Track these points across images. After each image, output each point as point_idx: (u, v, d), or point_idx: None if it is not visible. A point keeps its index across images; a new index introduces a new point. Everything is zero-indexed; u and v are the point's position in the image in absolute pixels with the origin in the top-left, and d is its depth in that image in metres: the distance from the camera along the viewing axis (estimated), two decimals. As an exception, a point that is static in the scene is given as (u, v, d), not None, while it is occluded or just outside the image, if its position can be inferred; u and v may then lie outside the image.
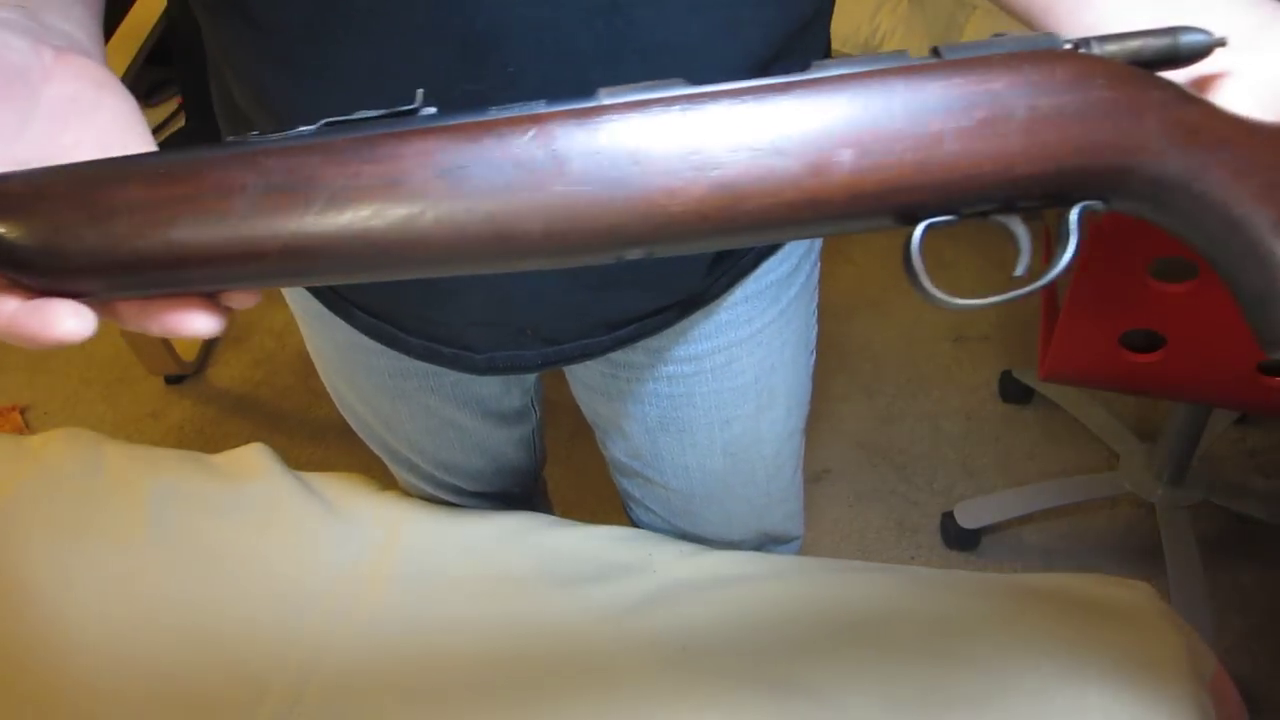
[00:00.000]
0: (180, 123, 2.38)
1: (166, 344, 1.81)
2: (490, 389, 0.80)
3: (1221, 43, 0.36)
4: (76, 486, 0.98)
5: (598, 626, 0.86)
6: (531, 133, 0.32)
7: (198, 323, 0.35)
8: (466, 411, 0.81)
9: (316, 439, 1.77)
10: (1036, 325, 1.90)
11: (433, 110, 0.34)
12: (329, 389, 0.86)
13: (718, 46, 0.50)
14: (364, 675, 0.85)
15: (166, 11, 1.60)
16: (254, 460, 1.00)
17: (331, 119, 0.33)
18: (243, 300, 0.35)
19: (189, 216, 0.32)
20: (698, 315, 0.69)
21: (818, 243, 0.74)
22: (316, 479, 1.00)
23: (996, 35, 0.35)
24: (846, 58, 0.34)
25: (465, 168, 0.32)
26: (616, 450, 0.85)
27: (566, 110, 0.33)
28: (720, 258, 0.65)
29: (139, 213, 0.32)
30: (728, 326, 0.70)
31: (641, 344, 0.70)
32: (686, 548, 0.91)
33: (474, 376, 0.76)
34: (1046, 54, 0.34)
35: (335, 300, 0.70)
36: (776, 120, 0.33)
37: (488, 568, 0.91)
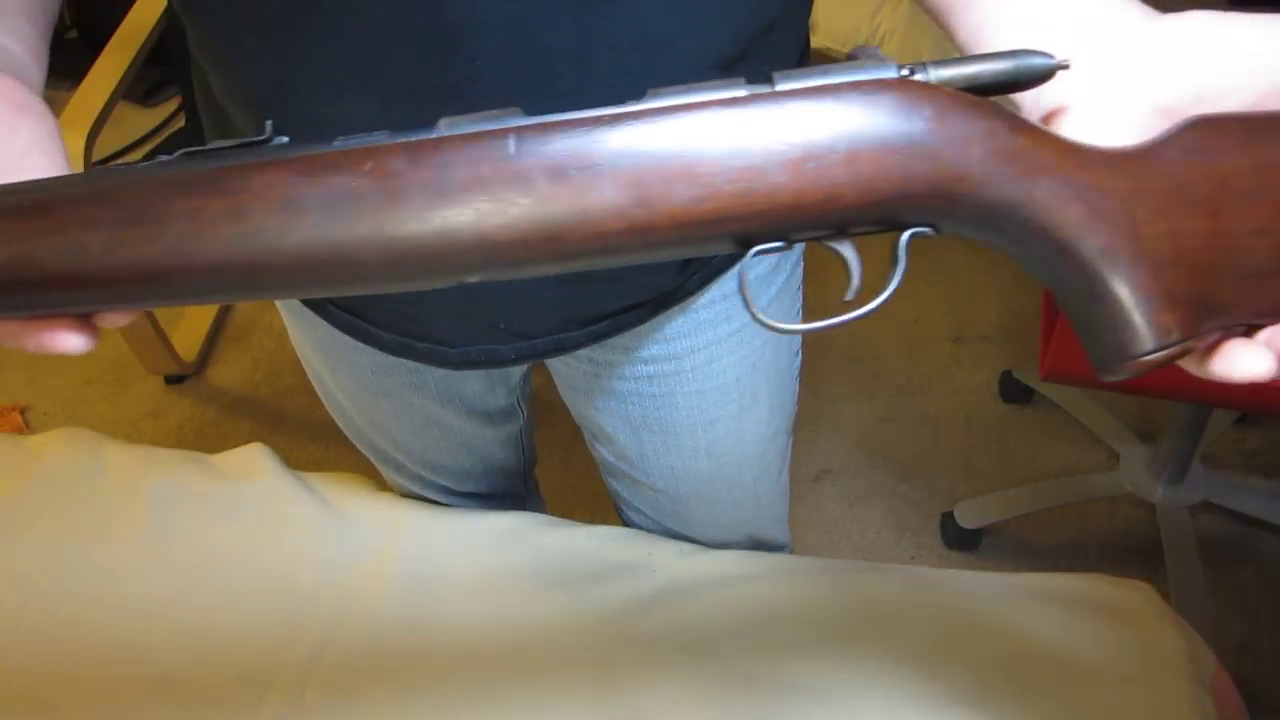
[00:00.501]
0: (180, 123, 2.38)
1: (166, 344, 1.81)
2: (474, 387, 0.80)
3: (1064, 66, 0.36)
4: (76, 486, 0.98)
5: (598, 626, 0.86)
6: (369, 165, 0.34)
7: (70, 342, 0.37)
8: (450, 409, 0.81)
9: (316, 439, 1.77)
10: (1036, 325, 1.90)
11: (284, 140, 0.35)
12: (316, 387, 0.86)
13: (685, 44, 0.50)
14: (364, 675, 0.85)
15: (166, 11, 1.60)
16: (254, 460, 1.00)
17: (190, 149, 0.35)
18: (114, 320, 0.37)
19: (53, 248, 0.34)
20: (674, 312, 0.69)
21: (799, 244, 0.74)
22: (316, 479, 1.00)
23: (842, 60, 0.35)
24: (684, 85, 0.35)
25: (305, 200, 0.34)
26: (604, 451, 0.85)
27: (404, 144, 0.34)
28: (684, 265, 0.65)
29: (9, 243, 0.34)
30: (707, 325, 0.71)
31: (619, 341, 0.70)
32: (686, 547, 0.91)
33: (456, 375, 0.77)
34: (874, 84, 0.34)
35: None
36: (604, 151, 0.33)
37: (488, 568, 0.91)
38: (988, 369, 1.83)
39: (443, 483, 0.94)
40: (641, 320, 0.67)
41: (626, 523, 0.96)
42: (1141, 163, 0.34)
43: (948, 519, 1.57)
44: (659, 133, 0.33)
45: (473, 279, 0.35)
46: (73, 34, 2.67)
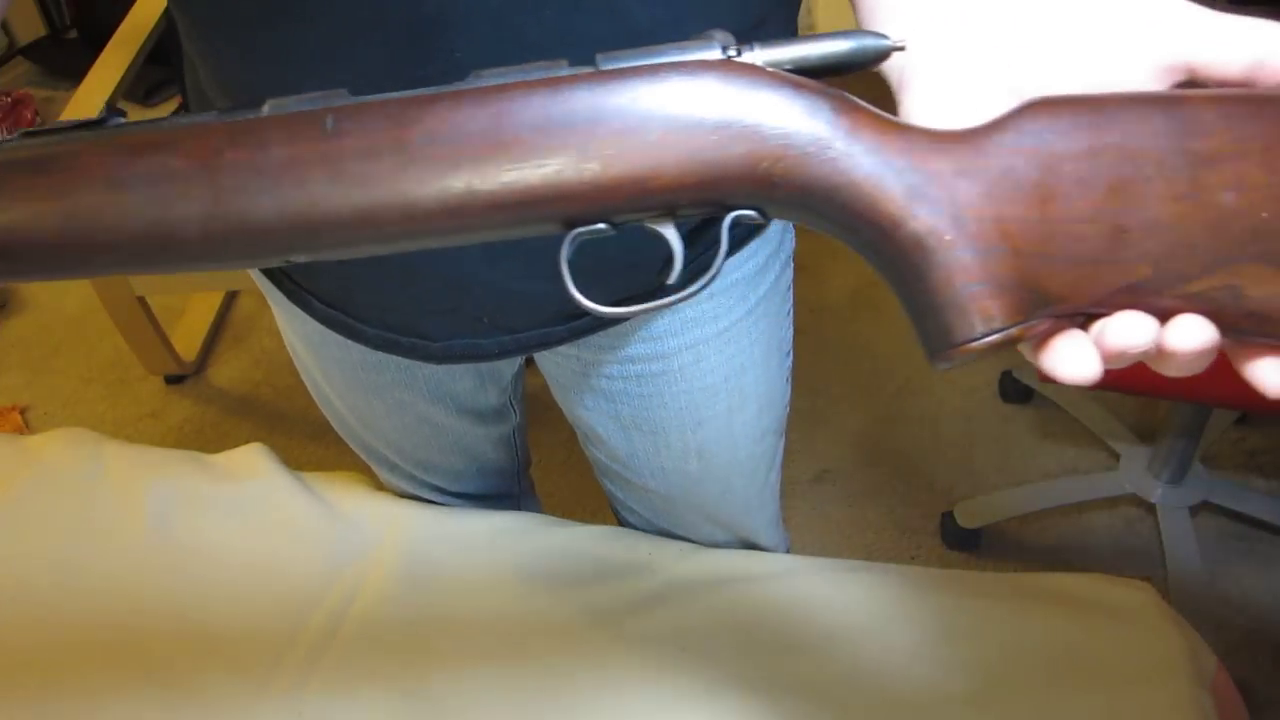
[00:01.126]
0: (180, 123, 2.37)
1: (166, 344, 1.81)
2: (464, 385, 0.80)
3: (899, 47, 0.35)
4: (76, 486, 0.98)
5: (597, 626, 0.86)
6: (189, 146, 0.34)
7: None
8: (441, 407, 0.81)
9: (316, 439, 1.77)
10: (1036, 325, 1.90)
11: (120, 120, 0.36)
12: (308, 385, 0.86)
13: (668, 40, 0.50)
14: (364, 675, 0.85)
15: (166, 11, 1.60)
16: (254, 460, 1.00)
17: (29, 129, 0.36)
18: None
19: None
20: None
21: (788, 243, 0.74)
22: (316, 479, 1.00)
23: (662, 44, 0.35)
24: (507, 67, 0.35)
25: (128, 179, 0.34)
26: (596, 452, 0.85)
27: (225, 124, 0.34)
28: (672, 256, 0.65)
29: None
30: (693, 324, 0.71)
31: (606, 340, 0.71)
32: (686, 547, 0.91)
33: (446, 372, 0.77)
34: (694, 64, 0.34)
35: (294, 289, 0.70)
36: (419, 132, 0.33)
37: (487, 568, 0.91)
38: (988, 369, 1.83)
39: (435, 483, 0.94)
40: (625, 317, 0.68)
41: (622, 523, 0.96)
42: (971, 145, 0.33)
43: (948, 519, 1.57)
44: (475, 114, 0.33)
45: (299, 258, 0.36)
46: (73, 34, 2.67)
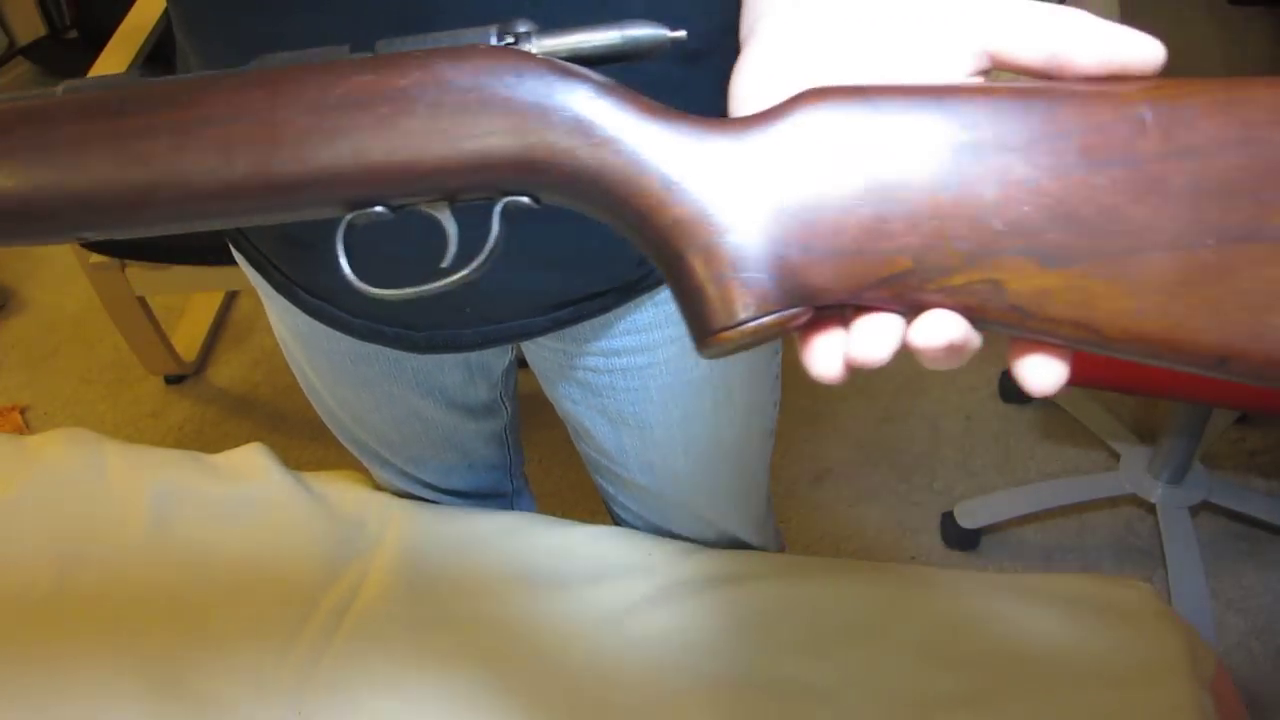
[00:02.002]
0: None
1: (167, 344, 1.81)
2: (453, 379, 0.80)
3: (678, 39, 0.35)
4: (76, 486, 0.98)
5: (598, 626, 0.86)
6: None
7: None
8: (430, 401, 0.81)
9: (316, 439, 1.77)
10: (1036, 325, 1.90)
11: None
12: (300, 381, 0.86)
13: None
14: (364, 675, 0.85)
15: (166, 11, 1.60)
16: (254, 460, 1.00)
17: None
18: None
19: None
20: (643, 302, 0.69)
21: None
22: (316, 479, 1.00)
23: (446, 32, 0.36)
24: (293, 51, 0.35)
25: None
26: (586, 447, 0.86)
27: (21, 107, 0.35)
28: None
29: None
30: (678, 317, 0.71)
31: (588, 332, 0.71)
32: (686, 547, 0.91)
33: (435, 365, 0.77)
34: (467, 51, 0.34)
35: (281, 281, 0.70)
36: (196, 112, 0.34)
37: (487, 567, 0.91)
38: (988, 369, 1.83)
39: (426, 479, 0.94)
40: (606, 308, 0.68)
41: (617, 520, 0.96)
42: (737, 135, 0.33)
43: (948, 519, 1.57)
44: (251, 97, 0.34)
45: (90, 235, 0.36)
46: (73, 34, 2.67)
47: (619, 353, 0.73)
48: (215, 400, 1.89)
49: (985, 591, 0.86)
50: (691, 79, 0.54)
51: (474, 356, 0.79)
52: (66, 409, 1.89)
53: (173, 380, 1.91)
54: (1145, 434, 1.66)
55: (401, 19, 0.47)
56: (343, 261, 0.36)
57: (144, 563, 0.92)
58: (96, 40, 1.65)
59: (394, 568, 0.91)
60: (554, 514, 0.99)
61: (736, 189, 0.33)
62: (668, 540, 0.92)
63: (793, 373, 0.87)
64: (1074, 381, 1.46)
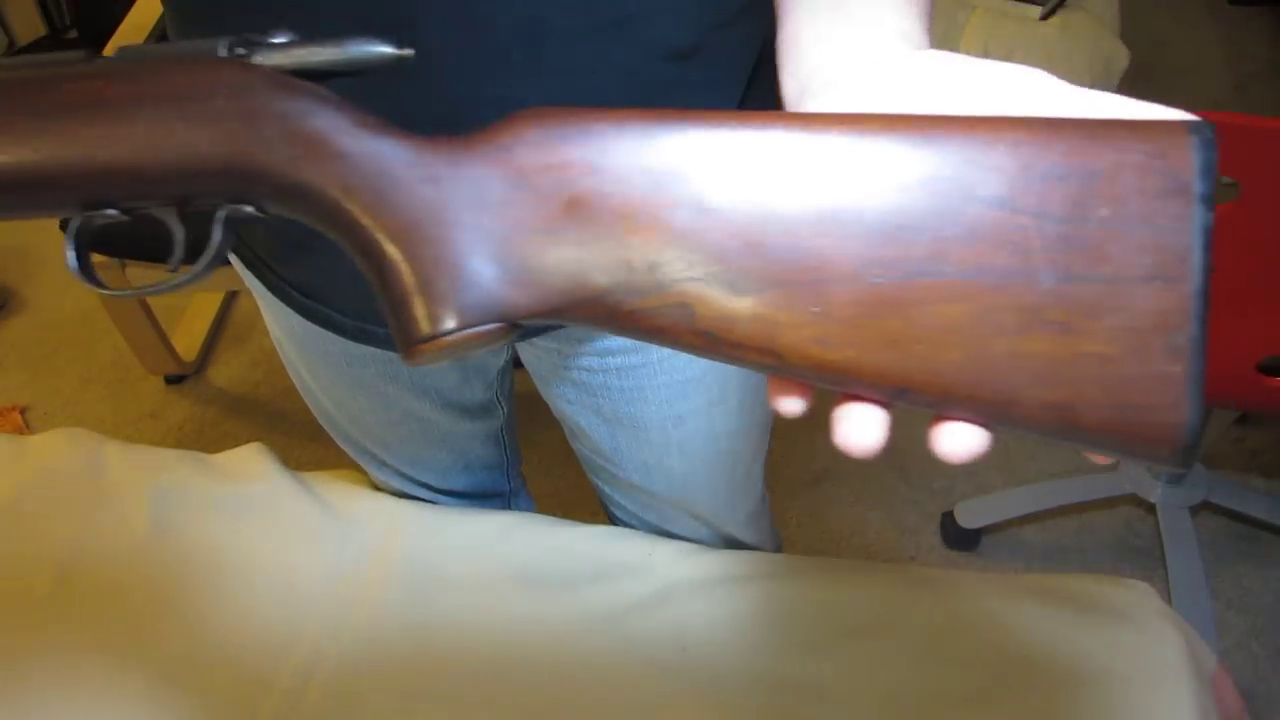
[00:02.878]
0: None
1: (167, 344, 1.81)
2: (448, 379, 0.80)
3: (402, 57, 0.36)
4: (76, 486, 0.98)
5: (598, 626, 0.86)
6: None
7: None
8: (426, 402, 0.81)
9: (316, 439, 1.76)
10: (1036, 325, 1.90)
11: None
12: (296, 384, 0.86)
13: (639, 32, 0.51)
14: (364, 675, 0.85)
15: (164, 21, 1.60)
16: (254, 460, 1.00)
17: None
18: None
19: None
20: None
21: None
22: (316, 479, 1.00)
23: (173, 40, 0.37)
24: (35, 55, 0.36)
25: None
26: (581, 447, 0.86)
27: None
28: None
29: None
30: None
31: (583, 330, 0.71)
32: (686, 547, 0.91)
33: (430, 367, 0.77)
34: (194, 61, 0.35)
35: (274, 281, 0.70)
36: None
37: (487, 567, 0.91)
38: (988, 369, 1.83)
39: (424, 479, 0.94)
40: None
41: (613, 520, 0.96)
42: (446, 154, 0.34)
43: (948, 519, 1.57)
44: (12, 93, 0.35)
45: None
46: (73, 34, 2.67)
47: (613, 352, 0.73)
48: (215, 400, 1.89)
49: (985, 591, 0.86)
50: (683, 76, 0.54)
51: (469, 357, 0.80)
52: (66, 409, 1.89)
53: (173, 380, 1.91)
54: (1145, 434, 1.66)
55: (385, 28, 0.48)
56: (70, 256, 0.38)
57: (144, 563, 0.92)
58: (96, 40, 1.64)
59: (394, 568, 0.91)
60: (554, 514, 0.99)
61: (444, 206, 0.34)
62: (667, 540, 0.92)
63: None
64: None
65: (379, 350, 0.72)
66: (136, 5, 1.65)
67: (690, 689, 0.81)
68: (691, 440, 0.79)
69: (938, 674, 0.80)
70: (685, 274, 0.32)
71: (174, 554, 0.93)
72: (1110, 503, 1.61)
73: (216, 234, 0.37)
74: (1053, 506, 1.59)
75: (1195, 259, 0.30)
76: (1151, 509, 1.56)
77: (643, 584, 0.88)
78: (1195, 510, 1.53)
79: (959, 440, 0.34)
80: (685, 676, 0.82)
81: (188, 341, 1.93)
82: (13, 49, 2.69)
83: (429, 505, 0.96)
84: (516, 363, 0.84)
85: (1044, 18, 1.88)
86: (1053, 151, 0.30)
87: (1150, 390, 0.30)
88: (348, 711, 0.83)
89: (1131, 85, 1.98)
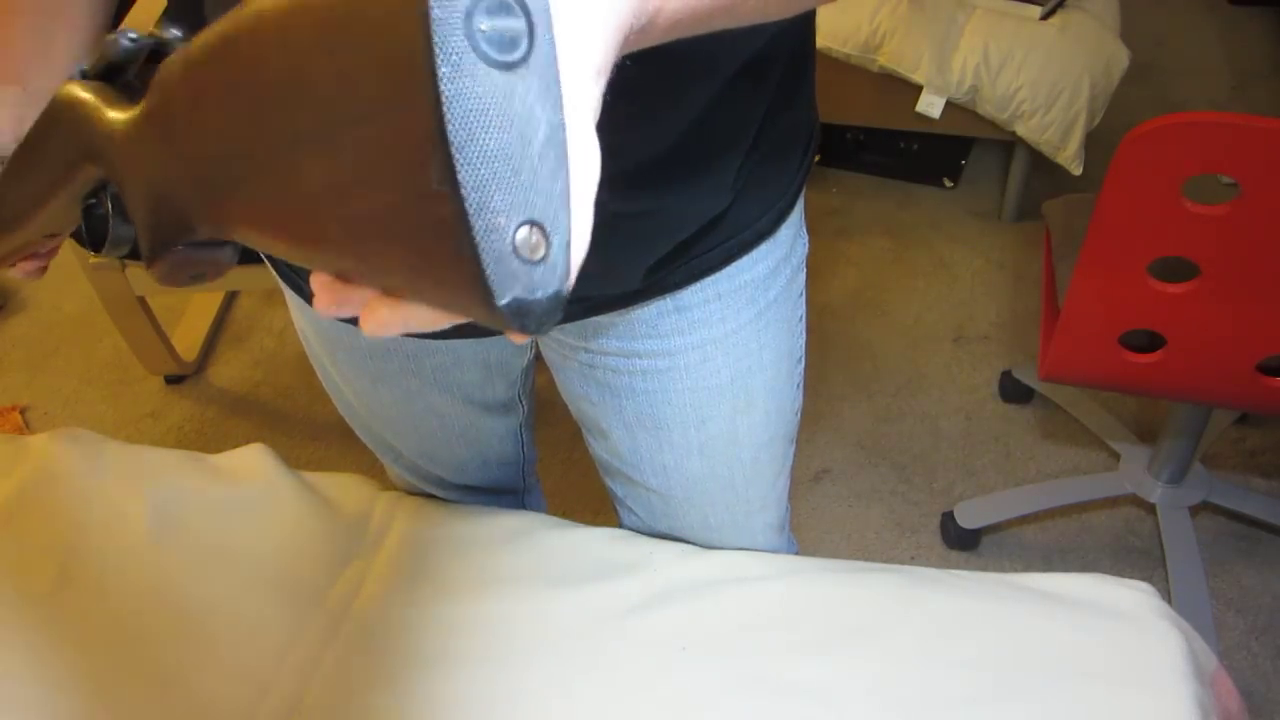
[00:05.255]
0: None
1: (167, 344, 1.81)
2: (471, 376, 0.80)
3: (164, 44, 0.36)
4: (76, 486, 0.98)
5: (598, 626, 0.86)
6: None
7: None
8: (448, 397, 0.81)
9: (316, 439, 1.77)
10: (1036, 325, 1.90)
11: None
12: (319, 375, 0.87)
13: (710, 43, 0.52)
14: (364, 675, 0.85)
15: (166, 12, 1.60)
16: (254, 460, 1.00)
17: None
18: None
19: None
20: (665, 308, 0.70)
21: (800, 249, 0.75)
22: (316, 479, 1.00)
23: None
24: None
25: None
26: (599, 448, 0.86)
27: None
28: (657, 266, 0.67)
29: None
30: (700, 324, 0.71)
31: (610, 333, 0.72)
32: (687, 548, 0.91)
33: (453, 362, 0.78)
34: None
35: (289, 274, 0.71)
36: None
37: (488, 567, 0.91)
38: (988, 369, 1.83)
39: (438, 473, 0.94)
40: (612, 307, 0.69)
41: (623, 523, 0.96)
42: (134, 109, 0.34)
43: (948, 519, 1.57)
44: None
45: None
46: (73, 34, 2.66)
47: (640, 355, 0.73)
48: (215, 400, 1.89)
49: (985, 591, 0.86)
50: (640, 74, 0.55)
51: (493, 355, 0.80)
52: (66, 409, 1.89)
53: (173, 380, 1.91)
54: (1145, 434, 1.66)
55: None
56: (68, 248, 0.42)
57: (144, 563, 0.92)
58: (96, 40, 1.64)
59: (394, 568, 0.91)
60: (556, 515, 0.99)
61: (147, 138, 0.34)
62: (668, 541, 0.92)
63: (804, 380, 0.87)
64: (1074, 382, 1.45)
65: (402, 343, 0.73)
66: (136, 5, 1.65)
67: (690, 689, 0.81)
68: (714, 442, 0.79)
69: (938, 674, 0.80)
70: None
71: (174, 554, 0.93)
72: (1110, 503, 1.61)
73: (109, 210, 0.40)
74: (1053, 507, 1.59)
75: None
76: (1151, 509, 1.56)
77: (643, 584, 0.88)
78: (1195, 510, 1.53)
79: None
80: (685, 676, 0.82)
81: (188, 341, 1.94)
82: (13, 49, 2.69)
83: (429, 505, 0.96)
84: (536, 357, 0.84)
85: (1044, 18, 1.88)
86: None
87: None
88: (347, 711, 0.83)
89: (1131, 85, 1.98)
